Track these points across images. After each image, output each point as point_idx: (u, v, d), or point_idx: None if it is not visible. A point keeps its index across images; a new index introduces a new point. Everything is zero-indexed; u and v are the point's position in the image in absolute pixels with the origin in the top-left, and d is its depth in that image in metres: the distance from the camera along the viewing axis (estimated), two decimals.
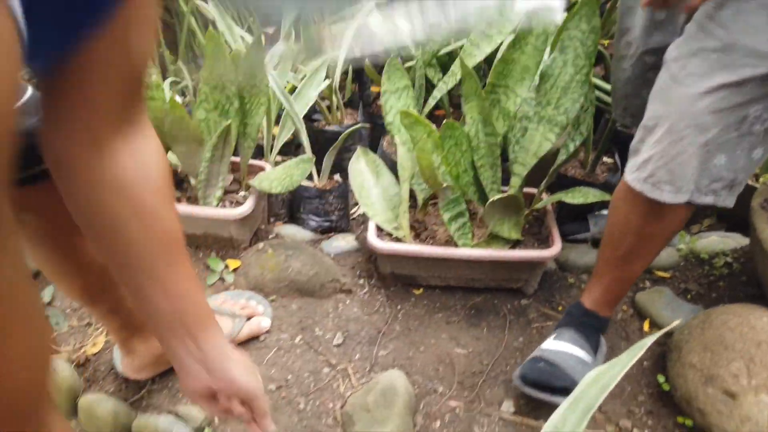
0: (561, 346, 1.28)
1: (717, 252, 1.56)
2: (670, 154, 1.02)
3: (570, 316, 1.32)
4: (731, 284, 1.48)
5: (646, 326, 1.46)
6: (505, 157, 1.47)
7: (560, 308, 1.56)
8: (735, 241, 1.61)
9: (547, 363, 1.25)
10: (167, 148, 1.53)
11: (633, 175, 1.08)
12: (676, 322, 1.08)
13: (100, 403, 1.27)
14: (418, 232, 1.56)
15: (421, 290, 1.60)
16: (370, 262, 1.67)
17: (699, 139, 1.00)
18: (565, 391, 1.20)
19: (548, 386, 1.23)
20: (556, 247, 1.43)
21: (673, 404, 1.30)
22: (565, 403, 0.84)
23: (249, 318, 1.44)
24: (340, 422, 1.30)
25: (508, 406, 1.33)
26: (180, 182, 1.66)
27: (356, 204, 1.92)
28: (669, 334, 1.41)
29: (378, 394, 1.28)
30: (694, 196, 1.06)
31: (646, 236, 1.15)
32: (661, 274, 1.58)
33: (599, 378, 0.81)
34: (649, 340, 0.79)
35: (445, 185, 1.41)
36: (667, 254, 1.60)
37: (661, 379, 1.33)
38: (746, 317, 1.22)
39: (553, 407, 1.29)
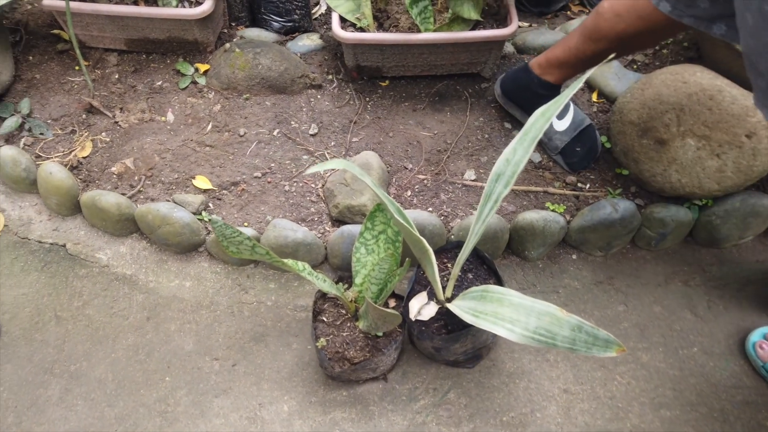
0: None
1: None
2: None
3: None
4: (674, 51, 1.59)
5: (594, 97, 1.60)
6: None
7: None
8: None
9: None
10: None
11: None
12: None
13: (102, 197, 1.39)
14: (381, 21, 1.59)
15: (387, 82, 1.68)
16: (336, 59, 1.71)
17: None
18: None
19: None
20: (514, 25, 1.49)
21: (612, 159, 1.49)
22: (515, 138, 0.98)
23: None
24: (323, 197, 1.46)
25: (469, 175, 1.50)
26: None
27: (317, 3, 1.90)
28: (613, 101, 1.55)
29: None
30: None
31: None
32: None
33: (545, 111, 0.94)
34: (588, 72, 0.91)
35: None
36: None
37: (603, 139, 1.49)
38: (681, 74, 1.35)
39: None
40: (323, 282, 1.12)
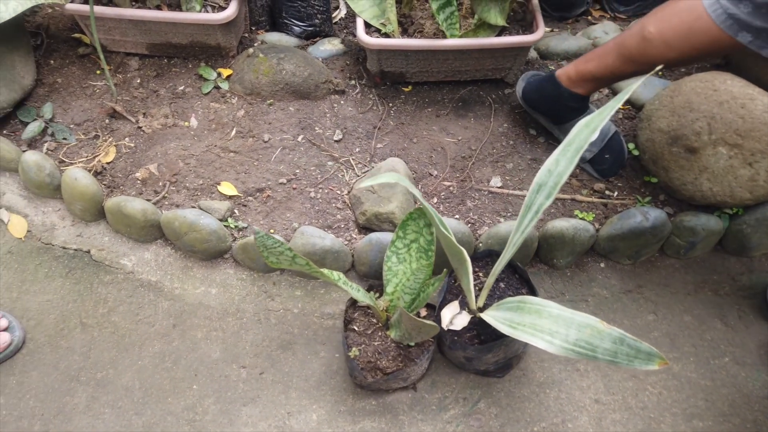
0: None
1: None
2: None
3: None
4: None
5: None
6: None
7: None
8: None
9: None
10: None
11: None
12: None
13: (127, 203, 1.38)
14: (406, 27, 1.58)
15: (410, 87, 1.67)
16: (358, 64, 1.70)
17: None
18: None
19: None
20: (540, 31, 1.48)
21: (640, 166, 1.48)
22: (558, 149, 0.97)
23: None
24: (349, 204, 1.45)
25: (495, 182, 1.49)
26: None
27: (337, 7, 1.89)
28: (640, 108, 1.54)
29: None
30: None
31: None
32: None
33: (589, 123, 0.93)
34: (634, 85, 0.90)
35: None
36: None
37: (631, 146, 1.48)
38: (712, 82, 1.34)
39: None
40: (357, 291, 1.11)
